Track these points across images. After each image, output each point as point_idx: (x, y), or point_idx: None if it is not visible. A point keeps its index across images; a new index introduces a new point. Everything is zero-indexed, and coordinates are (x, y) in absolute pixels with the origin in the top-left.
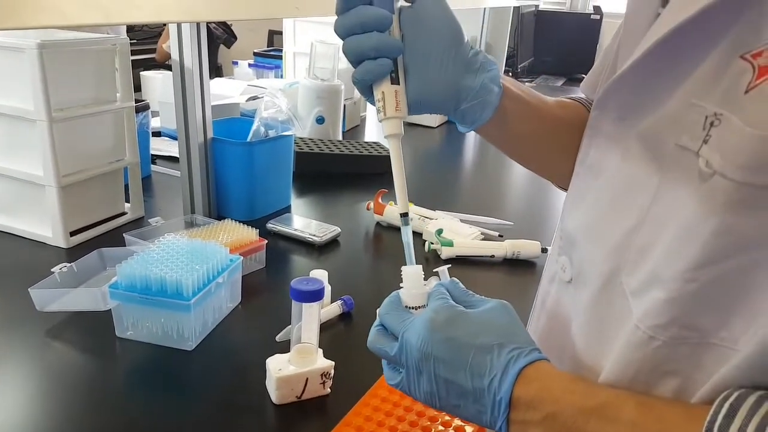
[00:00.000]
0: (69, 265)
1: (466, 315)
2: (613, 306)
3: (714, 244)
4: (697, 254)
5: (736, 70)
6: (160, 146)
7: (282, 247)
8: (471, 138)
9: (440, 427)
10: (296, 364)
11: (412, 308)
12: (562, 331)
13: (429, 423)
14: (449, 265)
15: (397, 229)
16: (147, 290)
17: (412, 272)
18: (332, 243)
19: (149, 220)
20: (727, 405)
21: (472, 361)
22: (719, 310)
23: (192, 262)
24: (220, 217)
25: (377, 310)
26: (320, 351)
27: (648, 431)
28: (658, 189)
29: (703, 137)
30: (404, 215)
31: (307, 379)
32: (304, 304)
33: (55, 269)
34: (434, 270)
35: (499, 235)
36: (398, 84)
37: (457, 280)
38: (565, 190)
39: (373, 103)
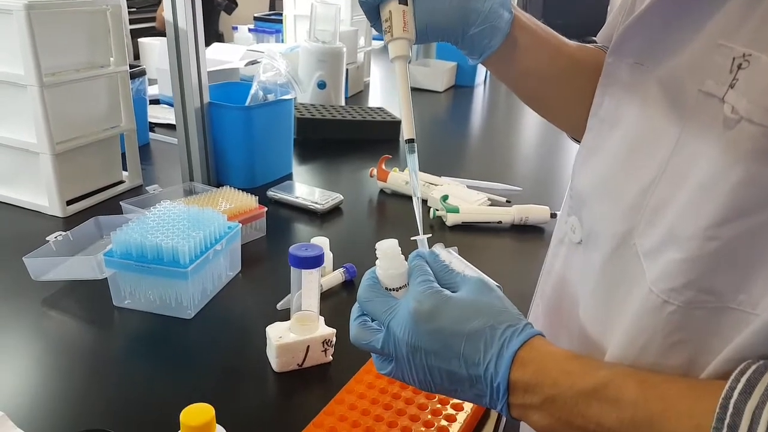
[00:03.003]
0: (64, 233)
1: (450, 301)
2: (625, 269)
3: (738, 197)
4: (720, 209)
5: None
6: (159, 114)
7: (283, 215)
8: (478, 102)
9: None
10: (297, 332)
11: (393, 290)
12: (569, 298)
13: None
14: (429, 234)
15: (401, 197)
16: (143, 258)
17: (388, 249)
18: (335, 211)
19: (146, 188)
20: (743, 380)
21: (465, 349)
22: (739, 271)
23: (189, 230)
24: (219, 185)
25: (357, 294)
26: (322, 319)
27: (651, 411)
28: (678, 140)
29: (730, 81)
30: (410, 141)
31: (308, 346)
32: (303, 270)
33: (50, 238)
34: (412, 238)
35: (507, 201)
36: (406, 4)
37: (437, 252)
38: (579, 142)
39: (379, 29)
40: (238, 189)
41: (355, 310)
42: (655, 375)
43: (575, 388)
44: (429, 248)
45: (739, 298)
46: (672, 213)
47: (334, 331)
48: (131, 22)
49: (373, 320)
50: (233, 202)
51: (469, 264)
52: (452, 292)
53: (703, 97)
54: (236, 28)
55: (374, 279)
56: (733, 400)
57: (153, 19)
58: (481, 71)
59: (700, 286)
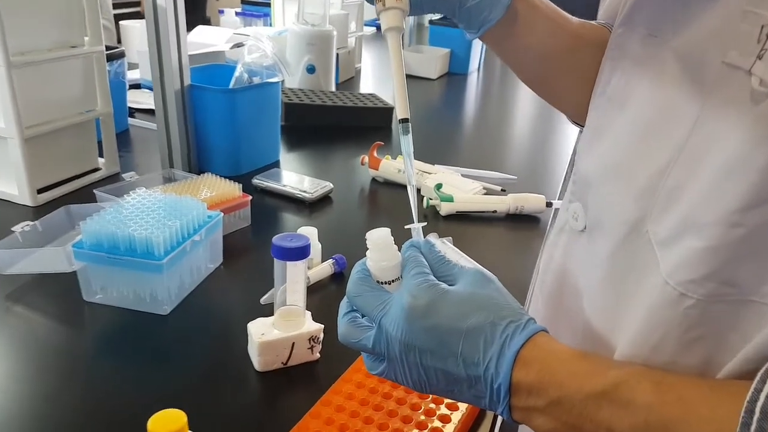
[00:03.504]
0: (32, 223)
1: (447, 295)
2: (636, 259)
3: (767, 180)
4: (745, 193)
5: None
6: (140, 98)
7: (270, 204)
8: (472, 90)
9: None
10: (281, 328)
11: (385, 283)
12: (572, 291)
13: None
14: (424, 223)
15: (394, 185)
16: (115, 249)
17: (379, 240)
18: (324, 200)
19: (123, 176)
20: None
21: (463, 347)
22: (765, 261)
23: (165, 219)
24: (201, 173)
25: (347, 288)
26: (308, 314)
27: (667, 415)
28: (698, 118)
29: (758, 52)
30: (404, 121)
31: (293, 343)
32: (288, 262)
33: (17, 228)
34: (406, 226)
35: (502, 190)
36: None
37: (433, 242)
38: (580, 125)
39: (371, 1)
40: (222, 177)
41: (343, 306)
42: (671, 375)
43: (584, 390)
44: (424, 238)
45: (762, 290)
46: (690, 197)
47: (322, 326)
48: (118, 6)
49: (363, 316)
50: (215, 189)
51: (464, 254)
52: (449, 285)
53: (727, 69)
54: (222, 12)
55: (365, 272)
56: (759, 404)
57: (139, 3)
58: (475, 58)
59: (722, 278)
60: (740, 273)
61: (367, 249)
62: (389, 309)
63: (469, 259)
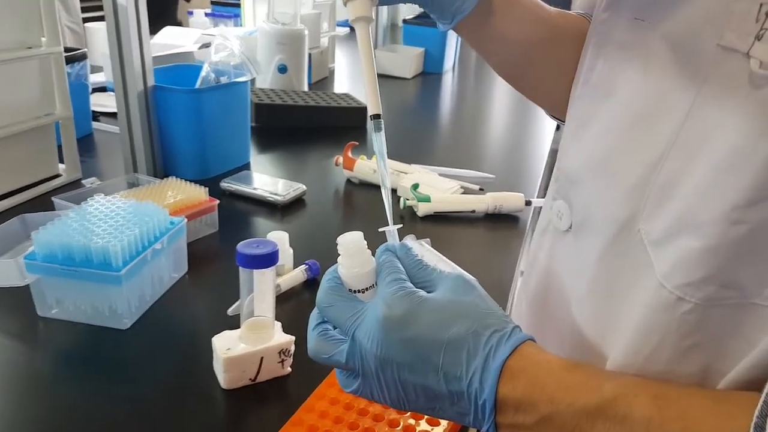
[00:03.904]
0: None
1: (426, 303)
2: (627, 260)
3: None
4: (747, 187)
5: None
6: (105, 102)
7: (240, 209)
8: (447, 88)
9: None
10: (248, 342)
11: (358, 291)
12: (558, 296)
13: None
14: (399, 225)
15: (370, 187)
16: (69, 261)
17: (351, 244)
18: (297, 202)
19: (83, 182)
20: None
21: (444, 361)
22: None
23: (123, 227)
24: (167, 177)
25: (317, 298)
26: (278, 325)
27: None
28: (691, 106)
29: (756, 32)
30: (376, 117)
31: (262, 358)
32: (254, 271)
33: None
34: (380, 229)
35: (480, 189)
36: None
37: (409, 245)
38: (559, 119)
39: None
40: (189, 181)
41: (313, 318)
42: (671, 388)
43: (576, 406)
44: (399, 241)
45: (765, 292)
46: (686, 193)
47: (293, 338)
48: (87, 9)
49: (335, 328)
50: (180, 194)
51: (443, 257)
52: (427, 291)
53: (723, 52)
54: (192, 13)
55: (336, 280)
56: None
57: None
58: (450, 57)
59: (722, 280)
60: (741, 274)
61: (339, 255)
62: (363, 320)
63: (449, 261)
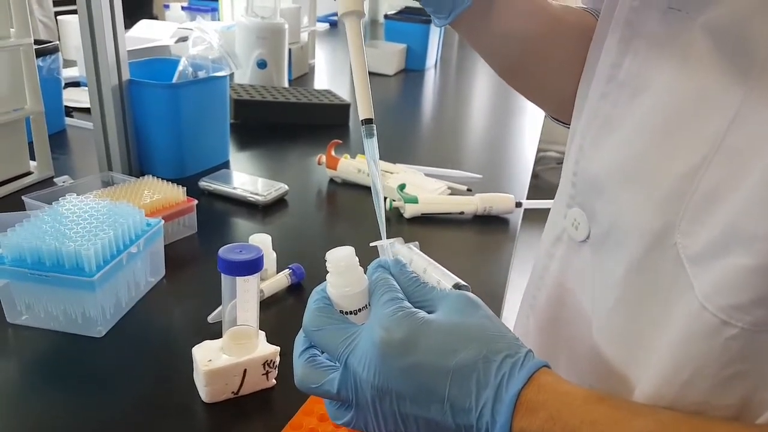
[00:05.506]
0: None
1: (428, 325)
2: (659, 277)
3: None
4: None
5: None
6: (78, 97)
7: (219, 209)
8: (430, 86)
9: None
10: (230, 353)
11: (350, 313)
12: (574, 315)
13: None
14: (393, 240)
15: (354, 186)
16: (40, 265)
17: (342, 261)
18: (279, 203)
19: (55, 180)
20: None
21: (451, 391)
22: None
23: (96, 229)
24: (143, 175)
25: (303, 321)
26: (262, 334)
27: None
28: (739, 107)
29: None
30: (367, 122)
31: (245, 370)
32: (237, 278)
33: None
34: (371, 244)
35: (468, 190)
36: None
37: (404, 261)
38: (561, 122)
39: None
40: (166, 180)
41: (299, 342)
42: (713, 425)
43: None
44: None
45: None
46: (732, 204)
47: (278, 349)
48: (59, 3)
49: (322, 352)
50: (157, 194)
51: (433, 262)
52: (427, 312)
53: None
54: (168, 6)
55: (325, 300)
56: None
57: None
58: (432, 54)
59: None
60: None
61: (327, 272)
62: (357, 345)
63: (439, 265)
